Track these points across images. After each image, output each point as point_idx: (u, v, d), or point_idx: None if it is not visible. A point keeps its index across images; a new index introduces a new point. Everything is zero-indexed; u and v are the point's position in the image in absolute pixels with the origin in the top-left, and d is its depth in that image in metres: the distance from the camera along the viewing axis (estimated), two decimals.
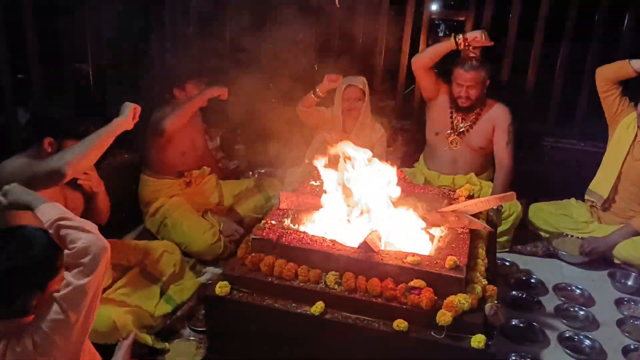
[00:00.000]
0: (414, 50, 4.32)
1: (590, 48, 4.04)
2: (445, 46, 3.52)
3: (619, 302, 3.06)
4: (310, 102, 3.71)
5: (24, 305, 1.62)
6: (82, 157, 2.30)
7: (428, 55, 3.59)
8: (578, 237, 3.53)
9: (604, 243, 3.37)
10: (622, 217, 3.47)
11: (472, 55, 3.53)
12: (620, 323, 2.86)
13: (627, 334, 2.78)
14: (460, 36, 3.44)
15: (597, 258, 3.40)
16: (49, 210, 1.75)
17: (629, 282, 3.23)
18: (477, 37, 3.41)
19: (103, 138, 2.35)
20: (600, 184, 3.53)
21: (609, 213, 3.53)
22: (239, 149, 4.49)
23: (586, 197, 3.61)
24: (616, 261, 3.38)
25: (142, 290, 2.73)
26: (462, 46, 3.46)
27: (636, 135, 3.38)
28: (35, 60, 3.11)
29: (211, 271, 3.21)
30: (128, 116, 2.42)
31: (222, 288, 2.33)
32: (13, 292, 1.60)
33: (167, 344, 2.52)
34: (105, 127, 2.38)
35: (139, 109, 2.47)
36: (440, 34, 4.93)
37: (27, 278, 1.61)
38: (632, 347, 2.67)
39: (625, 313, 2.97)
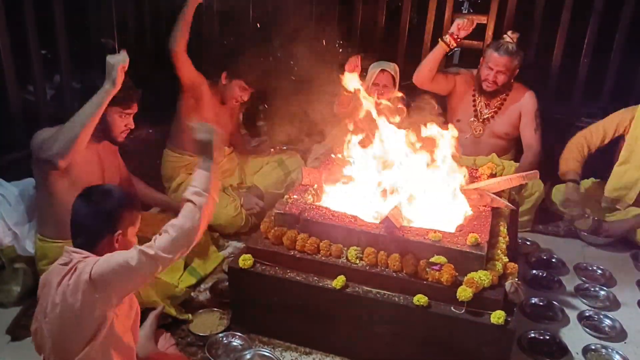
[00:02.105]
0: (437, 32, 4.28)
1: (619, 26, 3.96)
2: (438, 51, 3.48)
3: None
4: (346, 101, 3.60)
5: (104, 246, 1.84)
6: (73, 143, 2.27)
7: (426, 68, 3.55)
8: (589, 217, 3.46)
9: (618, 226, 3.35)
10: None
11: (509, 40, 3.42)
12: None
13: None
14: (447, 36, 3.41)
15: (618, 240, 3.38)
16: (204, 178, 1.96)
17: None
18: (460, 25, 3.35)
19: (91, 115, 2.29)
20: (624, 189, 3.38)
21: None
22: (261, 126, 4.51)
23: (603, 204, 3.50)
24: (638, 243, 3.35)
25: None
26: (454, 44, 3.41)
27: None
28: (62, 35, 3.14)
29: (233, 245, 3.26)
30: (117, 82, 2.27)
31: (245, 261, 2.38)
32: (95, 231, 1.85)
33: (190, 314, 2.58)
34: (93, 101, 2.29)
35: (126, 65, 2.30)
36: (464, 11, 4.84)
37: (101, 219, 1.85)
38: None
39: None
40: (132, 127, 2.59)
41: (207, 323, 2.56)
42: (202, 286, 2.85)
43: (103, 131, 2.52)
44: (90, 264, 1.73)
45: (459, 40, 3.42)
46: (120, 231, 1.88)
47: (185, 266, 2.89)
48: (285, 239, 2.39)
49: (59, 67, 3.39)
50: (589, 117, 4.13)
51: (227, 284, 2.74)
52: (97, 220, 1.86)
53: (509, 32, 3.41)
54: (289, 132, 3.95)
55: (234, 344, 2.43)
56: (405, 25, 4.38)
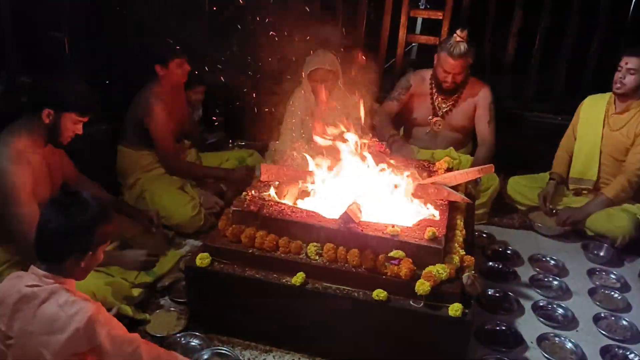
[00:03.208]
0: (395, 23, 4.31)
1: (568, 23, 4.06)
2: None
3: (591, 273, 3.15)
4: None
5: (71, 264, 1.78)
6: None
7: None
8: (552, 210, 3.59)
9: (580, 213, 3.45)
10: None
11: (459, 40, 3.42)
12: (592, 292, 2.95)
13: (598, 303, 2.87)
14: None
15: (571, 230, 3.48)
16: None
17: (601, 253, 3.32)
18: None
19: None
20: (585, 169, 3.56)
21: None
22: (219, 122, 4.45)
23: (571, 186, 3.64)
24: (589, 233, 3.46)
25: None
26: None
27: (607, 109, 3.46)
28: (8, 28, 3.02)
29: (191, 243, 3.20)
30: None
31: (202, 259, 2.34)
32: (66, 249, 1.76)
33: (147, 314, 2.53)
34: None
35: None
36: (421, 7, 4.89)
37: (74, 235, 1.76)
38: (602, 315, 2.76)
39: (597, 283, 3.06)
40: (80, 133, 2.53)
41: (164, 323, 2.52)
42: (159, 286, 2.78)
43: (49, 135, 2.46)
44: (85, 311, 1.69)
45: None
46: (90, 252, 1.80)
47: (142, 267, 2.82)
48: (243, 236, 2.36)
49: (6, 62, 3.25)
50: (541, 111, 4.25)
51: (184, 283, 2.69)
52: (70, 237, 1.76)
53: (458, 31, 3.43)
54: (247, 128, 3.92)
55: (192, 344, 2.39)
56: (362, 20, 4.38)
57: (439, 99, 3.68)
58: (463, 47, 3.40)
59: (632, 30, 3.98)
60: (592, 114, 3.52)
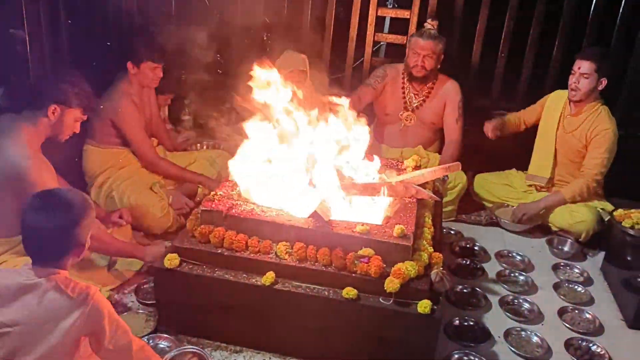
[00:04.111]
0: (362, 26, 4.33)
1: (533, 23, 4.15)
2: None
3: (555, 267, 3.22)
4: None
5: (66, 259, 1.81)
6: None
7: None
8: (514, 207, 3.67)
9: (533, 207, 3.53)
10: (558, 187, 3.64)
11: (429, 27, 3.55)
12: (556, 287, 3.02)
13: (562, 297, 2.94)
14: None
15: (536, 226, 3.56)
16: None
17: (565, 248, 3.41)
18: None
19: None
20: (540, 166, 3.66)
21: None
22: (187, 120, 4.40)
23: (527, 182, 3.73)
24: (553, 229, 3.55)
25: (88, 264, 2.67)
26: None
27: (563, 109, 3.54)
28: None
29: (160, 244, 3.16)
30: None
31: (171, 260, 2.31)
32: (61, 250, 1.79)
33: None
34: None
35: None
36: (389, 6, 4.93)
37: (68, 235, 1.77)
38: (567, 309, 2.83)
39: (562, 277, 3.14)
40: (78, 131, 2.64)
41: (132, 326, 2.45)
42: (127, 288, 2.75)
43: (52, 131, 2.52)
44: (89, 293, 1.75)
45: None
46: (82, 245, 1.83)
47: (109, 267, 2.78)
48: (212, 236, 2.34)
49: None
50: (507, 109, 4.32)
51: (152, 284, 2.65)
52: (62, 239, 1.78)
53: (429, 20, 3.56)
54: (216, 127, 3.88)
55: (161, 345, 2.36)
56: (331, 18, 4.39)
57: (411, 93, 3.73)
58: (433, 32, 3.54)
59: (593, 28, 4.08)
60: (552, 112, 3.61)
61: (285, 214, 2.42)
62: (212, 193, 2.55)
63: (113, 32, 3.66)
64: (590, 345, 2.57)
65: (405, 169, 2.98)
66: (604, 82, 3.35)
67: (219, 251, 2.34)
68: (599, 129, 3.38)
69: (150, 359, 1.97)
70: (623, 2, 3.96)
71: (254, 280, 2.28)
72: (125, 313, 2.54)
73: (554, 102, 3.62)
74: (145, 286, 2.73)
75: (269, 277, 2.25)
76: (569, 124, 3.52)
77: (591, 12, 4.04)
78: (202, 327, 2.42)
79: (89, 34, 3.47)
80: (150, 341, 2.36)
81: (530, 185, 3.74)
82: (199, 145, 4.21)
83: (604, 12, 4.02)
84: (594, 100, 3.43)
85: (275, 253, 2.32)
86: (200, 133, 4.27)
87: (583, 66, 3.33)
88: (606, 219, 3.37)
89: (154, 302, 2.57)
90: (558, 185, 3.66)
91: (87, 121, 3.33)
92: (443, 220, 3.28)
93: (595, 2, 4.01)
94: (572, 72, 3.39)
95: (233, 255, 2.32)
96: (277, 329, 2.35)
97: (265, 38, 4.27)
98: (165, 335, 2.39)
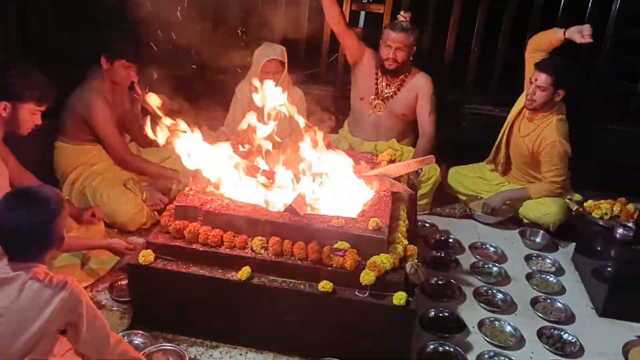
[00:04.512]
0: None
1: (504, 19, 4.20)
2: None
3: (528, 258, 3.28)
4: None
5: (44, 254, 1.83)
6: None
7: (327, 5, 3.52)
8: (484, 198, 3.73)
9: (495, 199, 3.61)
10: (525, 183, 3.72)
11: (402, 19, 3.56)
12: (529, 277, 3.08)
13: (535, 287, 2.99)
14: None
15: (509, 218, 3.63)
16: None
17: (537, 240, 3.47)
18: None
19: None
20: (496, 152, 3.75)
21: (513, 177, 3.77)
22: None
23: (488, 160, 3.83)
24: (525, 221, 3.61)
25: (61, 261, 2.63)
26: None
27: (521, 111, 3.60)
28: None
29: (134, 241, 3.12)
30: None
31: (145, 257, 2.29)
32: (39, 246, 1.80)
33: None
34: None
35: None
36: (364, 0, 4.94)
37: (47, 230, 1.79)
38: (539, 298, 2.88)
39: (534, 268, 3.20)
40: (40, 123, 2.55)
41: None
42: (101, 285, 2.71)
43: (9, 128, 2.47)
44: (67, 282, 1.77)
45: None
46: (59, 240, 1.84)
47: (82, 265, 2.74)
48: (186, 232, 2.33)
49: None
50: (480, 103, 4.38)
51: (127, 281, 2.63)
52: (40, 236, 1.80)
53: (402, 12, 3.58)
54: (190, 122, 3.84)
55: (136, 342, 2.34)
56: (304, 13, 4.38)
57: (383, 82, 3.74)
58: (405, 23, 3.54)
59: (562, 20, 4.14)
60: (517, 105, 3.66)
61: (260, 208, 2.42)
62: (187, 188, 2.53)
63: (86, 23, 3.60)
64: (562, 333, 2.62)
65: (379, 163, 3.00)
66: (562, 93, 3.39)
67: (194, 247, 2.32)
68: (545, 141, 3.43)
69: (127, 352, 1.97)
70: None
71: (229, 275, 2.27)
72: (99, 311, 2.49)
73: (519, 102, 3.65)
74: (119, 283, 2.70)
75: (244, 272, 2.24)
76: (524, 126, 3.58)
77: (561, 6, 4.11)
78: (177, 323, 2.40)
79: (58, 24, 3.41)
80: (125, 338, 2.32)
81: (492, 170, 3.80)
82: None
83: (574, 5, 4.10)
84: (549, 110, 3.46)
85: (251, 248, 2.32)
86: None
87: (540, 78, 3.33)
88: (574, 209, 3.44)
89: (128, 299, 2.54)
90: (516, 178, 3.76)
91: (58, 117, 3.31)
92: (418, 213, 3.32)
93: None
94: (530, 81, 3.40)
95: (208, 250, 2.31)
96: (253, 324, 2.34)
97: (240, 33, 4.25)
98: (141, 332, 2.37)
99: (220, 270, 2.30)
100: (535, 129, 3.49)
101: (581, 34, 3.34)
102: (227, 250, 2.31)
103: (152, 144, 3.86)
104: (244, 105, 3.64)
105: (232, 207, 2.42)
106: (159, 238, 2.37)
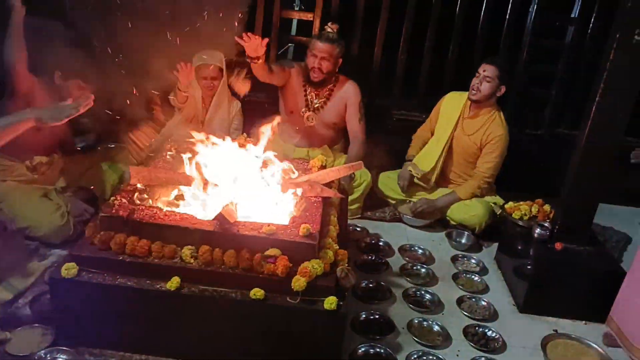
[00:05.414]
0: (266, 28, 4.33)
1: (429, 26, 4.35)
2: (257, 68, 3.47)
3: (454, 259, 3.41)
4: (182, 99, 3.60)
5: None
6: None
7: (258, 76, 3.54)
8: (409, 201, 3.85)
9: (430, 204, 3.73)
10: (453, 185, 3.88)
11: (329, 30, 3.62)
12: (455, 277, 3.19)
13: (461, 287, 3.11)
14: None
15: (436, 220, 3.76)
16: None
17: (463, 241, 3.61)
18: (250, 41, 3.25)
19: None
20: (425, 159, 3.84)
21: (441, 181, 3.91)
22: (86, 123, 4.20)
23: (408, 168, 3.88)
24: (452, 223, 3.75)
25: None
26: (251, 59, 3.37)
27: (462, 111, 3.76)
28: None
29: (57, 254, 3.00)
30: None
31: (68, 270, 2.21)
32: None
33: (7, 332, 2.33)
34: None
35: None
36: (296, 8, 4.98)
37: None
38: (465, 298, 3.00)
39: (460, 268, 3.32)
40: None
41: (28, 341, 2.34)
42: (21, 301, 2.58)
43: None
44: None
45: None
46: None
47: (0, 280, 2.61)
48: (113, 243, 2.26)
49: None
50: (407, 109, 4.51)
51: (49, 296, 2.52)
52: None
53: (329, 24, 3.63)
54: (118, 129, 3.74)
55: (60, 359, 2.25)
56: (238, 19, 4.36)
57: (312, 93, 3.78)
58: (332, 35, 3.60)
59: (485, 36, 4.35)
60: (449, 112, 3.81)
61: (190, 217, 2.39)
62: (112, 198, 2.46)
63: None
64: (486, 330, 2.74)
65: (311, 169, 3.03)
66: (503, 89, 3.60)
67: (121, 258, 2.26)
68: (493, 134, 3.63)
69: None
70: (509, 6, 4.26)
71: (158, 286, 2.23)
72: (19, 328, 2.39)
73: (451, 104, 3.82)
74: (41, 298, 2.58)
75: (174, 282, 2.21)
76: (467, 125, 3.73)
77: (481, 17, 4.31)
78: (104, 338, 2.33)
79: None
80: (48, 355, 2.25)
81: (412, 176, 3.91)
82: (99, 148, 4.04)
83: (494, 16, 4.30)
84: (491, 106, 3.67)
85: (180, 257, 2.28)
86: (101, 135, 4.11)
87: (488, 70, 3.55)
88: (498, 213, 3.61)
89: (51, 314, 2.43)
90: (453, 182, 3.88)
91: None
92: (350, 217, 3.38)
93: (485, 6, 4.28)
94: (477, 74, 3.60)
95: (136, 261, 2.25)
96: (185, 335, 2.31)
97: (168, 36, 4.17)
98: (65, 349, 2.28)
99: (148, 282, 2.25)
100: (482, 126, 3.67)
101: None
102: (156, 260, 2.27)
103: (76, 153, 3.75)
104: (181, 115, 3.63)
105: (161, 216, 2.37)
106: (83, 250, 2.29)
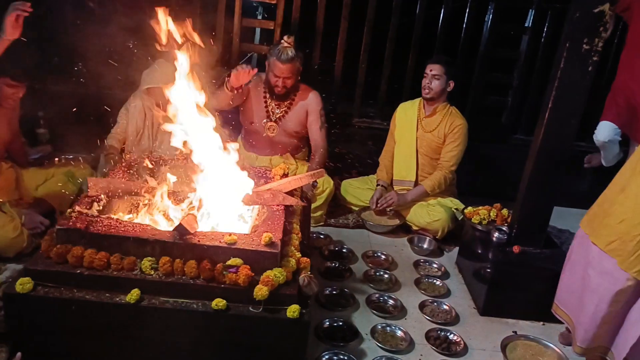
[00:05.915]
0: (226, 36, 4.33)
1: (389, 36, 4.42)
2: (223, 95, 3.48)
3: (416, 264, 3.45)
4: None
5: None
6: None
7: (217, 106, 3.50)
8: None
9: (397, 198, 3.79)
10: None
11: (286, 45, 3.57)
12: (417, 282, 3.24)
13: (423, 291, 3.15)
14: (226, 79, 3.43)
15: (398, 226, 3.80)
16: None
17: (425, 246, 3.66)
18: (239, 72, 3.33)
19: None
20: (405, 170, 3.91)
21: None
22: (42, 134, 4.11)
23: (395, 187, 3.95)
24: (414, 228, 3.80)
25: None
26: (232, 88, 3.41)
27: (419, 114, 3.86)
28: None
29: (12, 268, 2.92)
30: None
31: (23, 285, 2.14)
32: None
33: None
34: None
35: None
36: (259, 17, 5.00)
37: None
38: (427, 302, 3.04)
39: (422, 273, 3.37)
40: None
41: None
42: None
43: None
44: None
45: (239, 87, 3.43)
46: None
47: None
48: (70, 256, 2.21)
49: None
50: (368, 117, 4.57)
51: (3, 312, 2.44)
52: None
53: (285, 37, 3.59)
54: (75, 140, 3.67)
55: None
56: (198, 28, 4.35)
57: (273, 104, 3.78)
58: (290, 52, 3.56)
59: (441, 40, 4.44)
60: (406, 120, 3.88)
61: (149, 228, 2.35)
62: (69, 210, 2.40)
63: None
64: (448, 334, 2.78)
65: (273, 177, 3.03)
66: (452, 84, 3.73)
67: (78, 271, 2.21)
68: (454, 124, 3.76)
69: None
70: (466, 17, 4.37)
71: (117, 299, 2.18)
72: None
73: (405, 112, 3.92)
74: None
75: (133, 295, 2.17)
76: (427, 124, 3.83)
77: (439, 27, 4.41)
78: (62, 354, 2.26)
79: None
80: None
81: (400, 190, 3.95)
82: (56, 159, 3.95)
83: (451, 25, 4.40)
84: (445, 101, 3.79)
85: (140, 269, 2.24)
86: (57, 147, 4.02)
87: (434, 69, 3.70)
88: (460, 218, 3.68)
89: (5, 331, 2.36)
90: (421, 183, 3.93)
91: None
92: (313, 225, 3.39)
93: (443, 16, 4.38)
94: (425, 74, 3.73)
95: (94, 274, 2.20)
96: (146, 348, 2.26)
97: (130, 45, 4.11)
98: None
99: (107, 295, 2.20)
100: (442, 120, 3.79)
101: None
102: (115, 272, 2.22)
103: (33, 164, 3.66)
104: (137, 120, 3.57)
105: (119, 227, 2.33)
106: (39, 264, 2.23)
